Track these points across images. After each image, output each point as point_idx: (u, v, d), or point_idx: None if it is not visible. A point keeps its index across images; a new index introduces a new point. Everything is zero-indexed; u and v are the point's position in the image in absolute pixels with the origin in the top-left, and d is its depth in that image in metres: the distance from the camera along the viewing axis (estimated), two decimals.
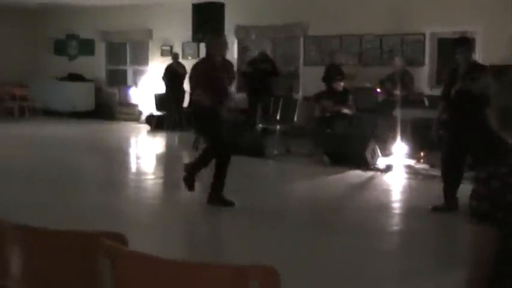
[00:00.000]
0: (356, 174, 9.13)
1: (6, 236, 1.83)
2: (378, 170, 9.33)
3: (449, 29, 11.37)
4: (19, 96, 17.77)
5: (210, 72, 6.93)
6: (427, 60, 12.42)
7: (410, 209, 7.23)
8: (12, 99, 17.67)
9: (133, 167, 10.77)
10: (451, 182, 6.70)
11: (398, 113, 10.15)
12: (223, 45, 7.37)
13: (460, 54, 6.68)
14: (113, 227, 5.81)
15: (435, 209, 6.70)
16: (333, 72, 11.72)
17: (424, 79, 12.28)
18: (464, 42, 6.90)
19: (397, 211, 7.23)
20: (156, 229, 6.33)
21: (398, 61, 11.44)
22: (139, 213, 6.96)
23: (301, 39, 14.23)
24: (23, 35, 18.80)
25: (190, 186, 7.18)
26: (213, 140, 7.03)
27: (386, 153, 10.05)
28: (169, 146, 13.56)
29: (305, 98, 13.22)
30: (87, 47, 18.47)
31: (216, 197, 6.92)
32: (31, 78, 18.33)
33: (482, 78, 6.41)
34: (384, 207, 7.27)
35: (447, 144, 6.77)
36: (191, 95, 7.17)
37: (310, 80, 13.32)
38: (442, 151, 6.91)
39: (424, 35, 12.39)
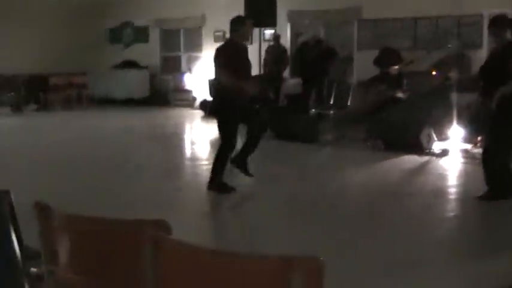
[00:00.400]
0: (411, 159, 9.02)
1: (55, 223, 1.88)
2: (433, 154, 9.19)
3: (509, 10, 11.06)
4: (77, 84, 18.15)
5: (240, 57, 6.81)
6: (484, 42, 12.12)
7: (466, 195, 7.10)
8: (70, 87, 18.06)
9: (188, 153, 10.88)
10: None
11: (454, 96, 9.96)
12: (249, 30, 7.12)
13: (491, 36, 6.37)
14: (167, 213, 5.93)
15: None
16: (387, 56, 11.57)
17: (481, 62, 11.98)
18: (495, 22, 6.42)
19: (452, 196, 7.12)
20: (206, 216, 6.40)
21: (455, 44, 11.22)
22: (193, 199, 7.03)
23: (355, 23, 14.07)
24: (80, 25, 19.13)
25: (246, 173, 7.17)
26: (227, 130, 6.84)
27: (442, 137, 9.88)
28: None
29: (359, 83, 13.09)
30: (141, 35, 18.70)
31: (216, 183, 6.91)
32: (89, 67, 18.70)
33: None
34: (439, 192, 7.16)
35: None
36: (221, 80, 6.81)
37: (364, 65, 13.16)
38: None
39: (481, 16, 12.08)
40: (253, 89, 6.99)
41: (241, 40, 6.96)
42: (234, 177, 7.22)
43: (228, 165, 7.04)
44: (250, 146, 7.07)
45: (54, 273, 1.87)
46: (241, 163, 7.14)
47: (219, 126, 6.90)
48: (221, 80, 6.82)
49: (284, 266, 1.47)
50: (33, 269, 2.05)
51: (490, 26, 6.53)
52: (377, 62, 11.86)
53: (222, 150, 6.91)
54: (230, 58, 6.70)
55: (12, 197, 2.17)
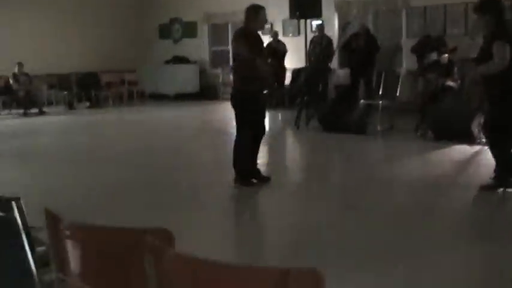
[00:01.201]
0: (462, 150, 8.79)
1: (62, 232, 1.86)
2: (484, 144, 8.93)
3: None
4: (128, 81, 18.42)
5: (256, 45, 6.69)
6: None
7: None
8: (122, 84, 18.34)
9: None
10: None
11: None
12: (263, 19, 6.90)
13: (476, 21, 6.11)
14: (206, 210, 5.91)
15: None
16: (423, 44, 11.29)
17: None
18: (480, 7, 6.11)
19: (501, 188, 6.88)
20: (245, 213, 6.37)
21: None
22: (237, 194, 7.00)
23: (404, 11, 13.80)
24: (130, 22, 19.40)
25: (262, 179, 7.06)
26: (244, 120, 6.77)
27: None
28: (272, 125, 13.57)
29: (409, 72, 12.85)
30: (190, 30, 18.80)
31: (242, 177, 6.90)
32: (139, 63, 18.93)
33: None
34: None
35: None
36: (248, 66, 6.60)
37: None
38: None
39: None
40: (269, 71, 6.88)
41: (256, 29, 6.86)
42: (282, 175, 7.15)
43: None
44: (255, 148, 6.99)
45: (65, 282, 1.86)
46: (255, 171, 7.04)
47: (236, 116, 6.82)
48: (240, 66, 6.73)
49: (283, 277, 1.41)
50: (45, 277, 2.05)
51: (474, 12, 6.29)
52: (414, 50, 11.61)
53: (240, 141, 6.84)
54: (247, 45, 6.58)
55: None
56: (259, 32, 6.99)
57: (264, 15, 6.89)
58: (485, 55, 6.00)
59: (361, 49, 12.72)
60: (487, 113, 6.61)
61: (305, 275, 1.42)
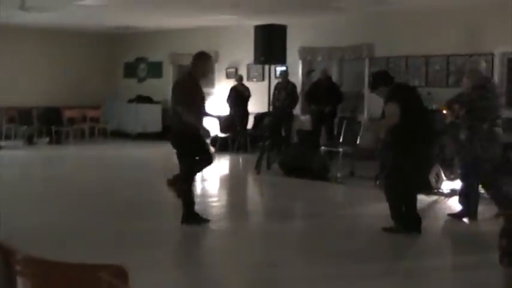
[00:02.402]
0: (419, 199, 8.87)
1: (15, 267, 1.83)
2: (442, 194, 9.08)
3: None
4: (90, 117, 18.30)
5: (198, 92, 6.97)
6: (496, 80, 12.04)
7: (474, 237, 6.99)
8: (84, 121, 18.20)
9: (198, 190, 10.77)
10: None
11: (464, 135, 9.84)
12: (208, 65, 7.21)
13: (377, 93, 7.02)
14: (174, 249, 5.85)
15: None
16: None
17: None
18: (373, 83, 7.11)
19: (459, 238, 6.98)
20: (214, 253, 6.33)
21: (466, 81, 11.12)
22: (199, 234, 6.96)
23: (367, 60, 14.08)
24: (96, 59, 19.42)
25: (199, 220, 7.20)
26: (187, 161, 7.01)
27: (451, 177, 9.76)
28: (233, 168, 13.59)
29: (370, 120, 13.05)
30: (155, 70, 18.86)
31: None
32: (103, 100, 18.87)
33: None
34: (445, 233, 7.04)
35: None
36: (179, 113, 6.85)
37: (375, 101, 13.13)
38: None
39: (493, 55, 12.04)
40: (205, 133, 7.05)
41: (200, 76, 7.08)
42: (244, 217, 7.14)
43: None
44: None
45: None
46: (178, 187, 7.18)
47: (180, 158, 7.01)
48: (178, 113, 6.87)
49: None
50: None
51: (371, 90, 7.36)
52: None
53: (185, 181, 7.02)
54: (188, 93, 6.87)
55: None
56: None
57: (209, 62, 7.21)
58: (383, 115, 6.93)
59: (323, 96, 12.92)
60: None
61: None
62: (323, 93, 13.08)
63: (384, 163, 10.23)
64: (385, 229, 6.83)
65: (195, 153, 7.01)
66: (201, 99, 7.06)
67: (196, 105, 6.91)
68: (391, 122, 6.69)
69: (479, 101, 7.45)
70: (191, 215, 7.10)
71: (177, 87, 7.06)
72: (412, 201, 6.86)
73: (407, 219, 6.77)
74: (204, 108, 7.22)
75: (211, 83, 17.37)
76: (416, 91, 7.47)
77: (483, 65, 12.05)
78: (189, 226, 6.99)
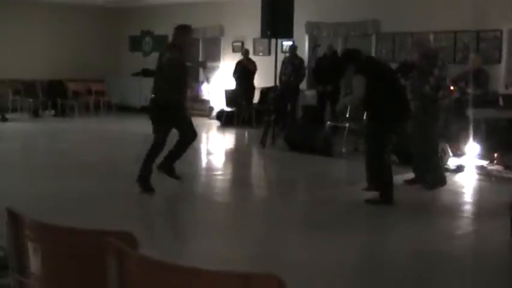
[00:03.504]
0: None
1: (25, 232, 1.83)
2: (448, 170, 9.06)
3: None
4: (95, 91, 18.29)
5: (184, 64, 7.22)
6: (504, 57, 11.97)
7: (479, 212, 7.00)
8: (89, 94, 18.20)
9: (203, 163, 10.79)
10: None
11: (471, 112, 9.83)
12: (190, 35, 7.49)
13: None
14: (177, 222, 5.88)
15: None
16: (404, 71, 11.43)
17: (500, 78, 11.84)
18: (345, 58, 7.54)
19: (464, 214, 6.99)
20: (217, 226, 6.35)
21: (473, 58, 11.07)
22: (204, 209, 6.98)
23: (373, 37, 13.98)
24: (101, 32, 19.34)
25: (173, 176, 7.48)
26: (184, 127, 7.24)
27: (458, 153, 9.76)
28: (238, 142, 13.59)
29: None
30: (161, 43, 18.74)
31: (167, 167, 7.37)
32: (108, 74, 18.83)
33: None
34: (451, 209, 7.05)
35: None
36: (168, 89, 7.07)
37: None
38: None
39: (501, 31, 11.94)
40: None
41: (186, 48, 7.40)
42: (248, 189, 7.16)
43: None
44: (178, 152, 7.42)
45: (24, 284, 1.83)
46: (169, 168, 7.48)
47: (155, 127, 7.17)
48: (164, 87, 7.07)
49: (246, 282, 1.42)
50: (3, 280, 2.01)
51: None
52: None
53: (153, 149, 7.18)
54: (183, 67, 7.19)
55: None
56: None
57: (189, 32, 7.53)
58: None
59: (328, 71, 12.85)
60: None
61: (267, 281, 1.43)
62: (327, 70, 13.00)
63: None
64: (367, 201, 7.02)
65: (178, 124, 7.18)
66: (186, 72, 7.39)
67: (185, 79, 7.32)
68: (357, 93, 6.97)
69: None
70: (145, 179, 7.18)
71: (174, 62, 7.12)
72: (380, 170, 7.04)
73: (380, 186, 7.02)
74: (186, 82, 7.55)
75: (217, 57, 17.33)
76: (387, 66, 7.74)
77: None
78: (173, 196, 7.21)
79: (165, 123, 7.12)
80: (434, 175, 7.79)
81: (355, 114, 10.74)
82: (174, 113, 7.10)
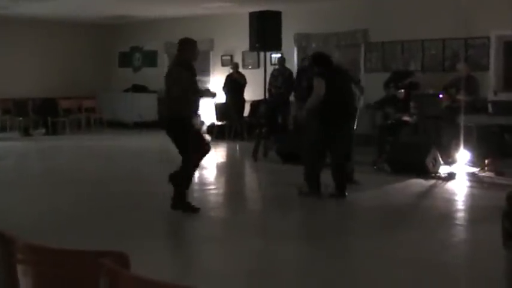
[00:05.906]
0: (417, 183, 8.90)
1: (15, 255, 1.82)
2: (439, 178, 9.08)
3: None
4: (86, 108, 18.25)
5: (194, 79, 6.91)
6: (492, 64, 12.04)
7: (472, 219, 7.00)
8: (80, 111, 18.16)
9: (195, 178, 10.73)
10: None
11: (462, 119, 9.88)
12: (196, 49, 7.04)
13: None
14: (172, 238, 5.85)
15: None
16: (396, 79, 11.48)
17: (489, 84, 11.91)
18: (313, 61, 8.29)
19: (457, 221, 6.99)
20: (212, 242, 6.32)
21: (462, 66, 11.13)
22: (197, 223, 6.95)
23: (362, 46, 14.03)
24: (91, 49, 19.33)
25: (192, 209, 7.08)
26: (186, 151, 6.95)
27: (449, 160, 9.78)
28: (230, 156, 13.57)
29: (366, 106, 13.01)
30: (150, 59, 18.79)
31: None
32: (99, 91, 18.82)
33: None
34: (443, 217, 7.05)
35: None
36: (174, 103, 6.83)
37: (371, 87, 13.10)
38: None
39: (489, 38, 12.02)
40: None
41: (193, 60, 7.01)
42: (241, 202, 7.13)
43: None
44: (183, 179, 7.09)
45: None
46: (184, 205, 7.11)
47: (178, 145, 6.95)
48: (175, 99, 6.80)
49: None
50: None
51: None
52: (386, 85, 11.77)
53: (186, 167, 6.98)
54: (193, 79, 6.92)
55: None
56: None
57: (195, 46, 7.04)
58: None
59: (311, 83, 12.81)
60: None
61: None
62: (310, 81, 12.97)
63: (381, 148, 10.28)
64: (300, 193, 7.86)
65: (192, 143, 6.92)
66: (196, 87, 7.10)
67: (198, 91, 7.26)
68: (316, 94, 7.60)
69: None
70: (183, 202, 7.02)
71: (182, 73, 6.81)
72: (309, 165, 7.99)
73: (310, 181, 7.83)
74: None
75: (207, 71, 17.35)
76: (343, 72, 8.30)
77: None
78: (184, 214, 6.96)
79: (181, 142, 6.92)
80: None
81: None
82: (178, 132, 6.89)
